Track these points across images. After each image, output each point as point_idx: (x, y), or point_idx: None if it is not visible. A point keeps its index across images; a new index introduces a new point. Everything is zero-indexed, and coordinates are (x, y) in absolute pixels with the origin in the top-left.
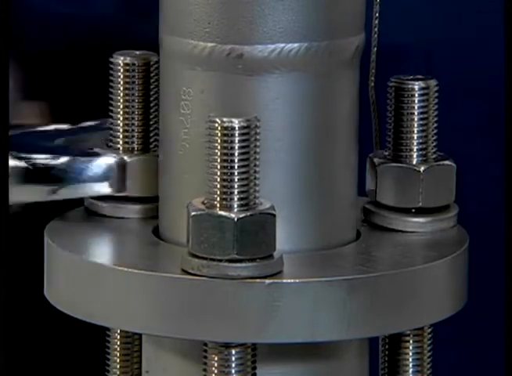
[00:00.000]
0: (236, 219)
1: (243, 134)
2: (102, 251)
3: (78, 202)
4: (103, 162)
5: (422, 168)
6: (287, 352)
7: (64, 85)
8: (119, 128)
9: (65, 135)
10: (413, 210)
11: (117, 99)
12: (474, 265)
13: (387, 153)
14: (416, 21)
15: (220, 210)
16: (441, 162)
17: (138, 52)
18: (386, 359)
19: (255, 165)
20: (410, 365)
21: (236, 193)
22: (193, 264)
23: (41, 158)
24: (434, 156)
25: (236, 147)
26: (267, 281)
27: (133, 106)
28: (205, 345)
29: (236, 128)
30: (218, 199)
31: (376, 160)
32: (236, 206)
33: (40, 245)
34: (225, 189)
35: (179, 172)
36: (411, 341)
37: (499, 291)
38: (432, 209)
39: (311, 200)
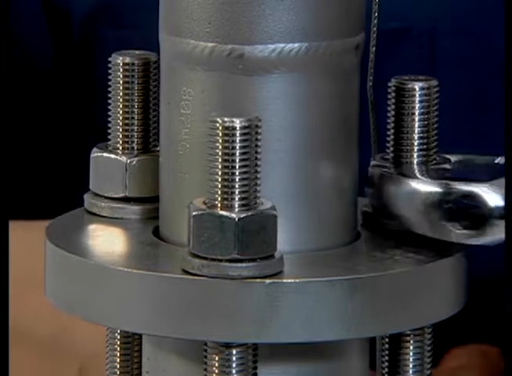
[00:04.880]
0: (237, 219)
1: (244, 134)
2: (102, 252)
3: (78, 203)
4: None
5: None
6: (288, 352)
7: None
8: (119, 128)
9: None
10: None
11: (116, 99)
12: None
13: (386, 155)
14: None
15: (221, 210)
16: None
17: (137, 52)
18: (386, 359)
19: (256, 165)
20: (410, 365)
21: (237, 192)
22: (194, 264)
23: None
24: (434, 156)
25: (237, 147)
26: (267, 281)
27: (133, 106)
28: (205, 345)
29: (237, 128)
30: (219, 199)
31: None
32: (237, 206)
33: None
34: (226, 189)
35: (179, 172)
36: (411, 341)
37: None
38: None
39: (311, 201)
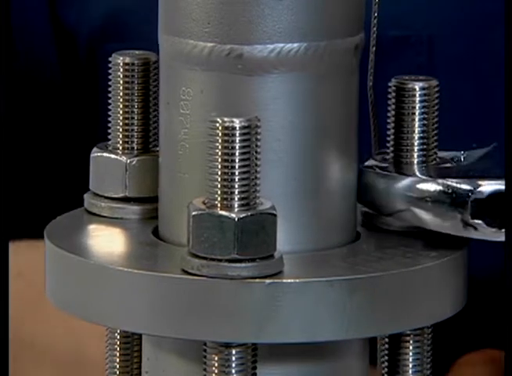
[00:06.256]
0: (236, 219)
1: (243, 134)
2: (101, 252)
3: (78, 203)
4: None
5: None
6: (287, 352)
7: None
8: (119, 128)
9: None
10: None
11: (116, 99)
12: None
13: (386, 155)
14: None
15: (221, 210)
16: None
17: (137, 52)
18: (386, 359)
19: (256, 165)
20: (410, 365)
21: (236, 192)
22: (193, 264)
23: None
24: (434, 156)
25: (237, 147)
26: (267, 281)
27: (133, 106)
28: (205, 345)
29: (237, 128)
30: (219, 199)
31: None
32: (236, 206)
33: None
34: (225, 189)
35: (179, 172)
36: (411, 342)
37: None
38: None
39: (311, 201)
